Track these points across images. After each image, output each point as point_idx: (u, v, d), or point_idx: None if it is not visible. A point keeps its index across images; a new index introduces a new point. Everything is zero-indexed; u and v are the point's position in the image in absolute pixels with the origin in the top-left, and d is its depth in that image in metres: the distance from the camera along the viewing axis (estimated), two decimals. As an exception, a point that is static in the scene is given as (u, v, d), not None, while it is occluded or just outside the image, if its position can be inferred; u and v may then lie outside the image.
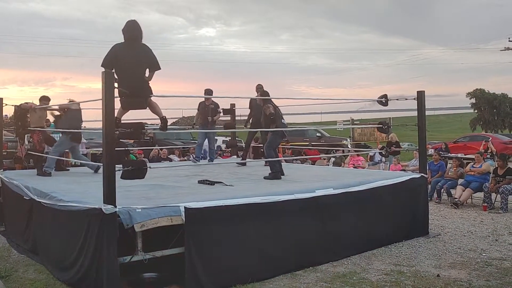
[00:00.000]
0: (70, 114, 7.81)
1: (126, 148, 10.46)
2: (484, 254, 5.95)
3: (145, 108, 5.87)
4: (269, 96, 7.22)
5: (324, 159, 14.88)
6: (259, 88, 8.93)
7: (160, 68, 5.72)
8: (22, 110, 8.00)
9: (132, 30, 5.66)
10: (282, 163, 7.65)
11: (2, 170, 8.11)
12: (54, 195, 5.28)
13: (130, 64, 5.50)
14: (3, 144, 8.90)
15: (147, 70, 5.70)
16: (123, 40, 5.67)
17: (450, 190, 10.01)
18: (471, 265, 5.50)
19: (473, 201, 9.83)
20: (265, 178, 6.90)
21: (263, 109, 7.12)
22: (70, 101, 8.14)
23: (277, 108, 7.15)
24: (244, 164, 9.22)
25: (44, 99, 8.09)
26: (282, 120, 7.21)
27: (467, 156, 15.70)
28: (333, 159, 15.10)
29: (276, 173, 6.95)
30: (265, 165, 8.38)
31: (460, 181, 10.06)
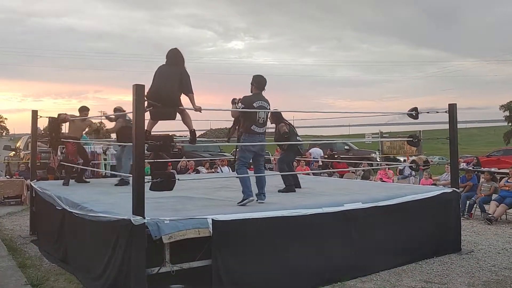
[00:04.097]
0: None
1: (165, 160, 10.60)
2: (520, 273, 5.74)
3: (174, 119, 5.94)
4: (281, 116, 7.21)
5: (352, 172, 14.72)
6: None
7: (191, 92, 5.78)
8: (56, 122, 8.22)
9: (174, 57, 5.90)
10: (309, 176, 7.62)
11: (35, 180, 8.33)
12: (85, 206, 5.39)
13: (161, 76, 5.68)
14: (36, 155, 9.16)
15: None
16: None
17: (483, 205, 9.74)
18: (507, 284, 5.30)
19: (507, 217, 9.54)
20: (279, 191, 6.90)
21: (278, 127, 7.12)
22: (103, 114, 8.39)
23: (291, 126, 7.22)
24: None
25: (84, 110, 8.31)
26: (297, 137, 7.33)
27: (500, 170, 15.24)
28: (361, 172, 14.92)
29: (289, 186, 6.96)
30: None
31: (494, 196, 9.78)
